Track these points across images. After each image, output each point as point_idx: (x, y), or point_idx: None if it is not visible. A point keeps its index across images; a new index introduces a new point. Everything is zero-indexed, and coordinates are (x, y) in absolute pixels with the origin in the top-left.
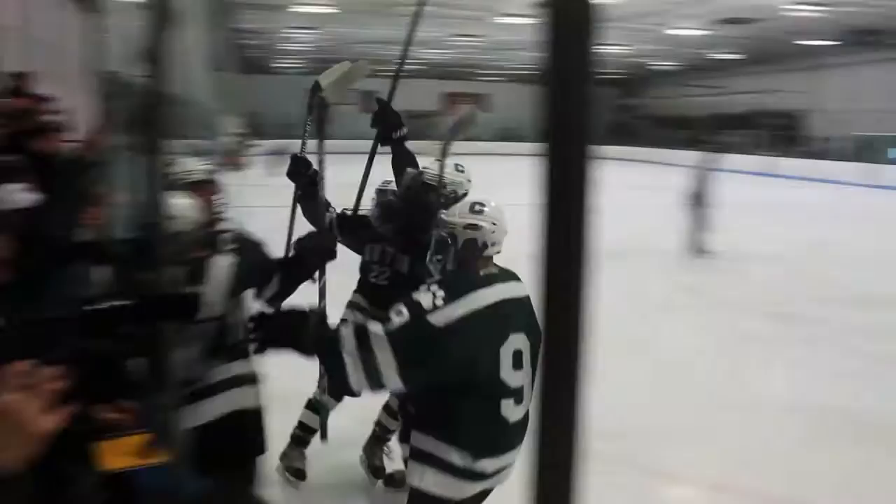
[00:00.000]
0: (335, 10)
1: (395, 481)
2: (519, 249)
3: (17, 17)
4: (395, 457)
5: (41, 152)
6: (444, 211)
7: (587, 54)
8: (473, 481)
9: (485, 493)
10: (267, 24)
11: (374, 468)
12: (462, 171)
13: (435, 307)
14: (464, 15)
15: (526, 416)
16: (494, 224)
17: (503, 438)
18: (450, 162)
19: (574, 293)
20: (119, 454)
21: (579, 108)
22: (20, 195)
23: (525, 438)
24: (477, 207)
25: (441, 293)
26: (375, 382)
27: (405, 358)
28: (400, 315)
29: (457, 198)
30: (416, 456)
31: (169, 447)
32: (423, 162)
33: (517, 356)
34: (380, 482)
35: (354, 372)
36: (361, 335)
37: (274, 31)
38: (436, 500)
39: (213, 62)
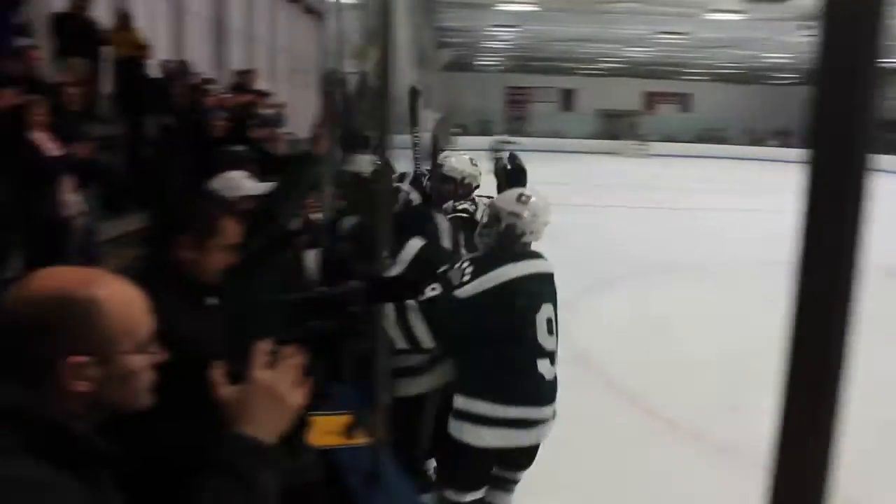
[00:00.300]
0: (536, 8)
1: None
2: (713, 256)
3: (241, 20)
4: None
5: (261, 143)
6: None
7: (872, 45)
8: (527, 429)
9: (535, 448)
10: (469, 23)
11: None
12: (476, 166)
13: (461, 283)
14: (674, 12)
15: (555, 377)
16: (535, 216)
17: (543, 392)
18: (465, 157)
19: (836, 308)
20: (326, 432)
21: (859, 108)
22: (247, 183)
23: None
24: (523, 198)
25: (469, 270)
26: (415, 345)
27: (435, 326)
28: (433, 290)
29: (471, 189)
30: (469, 419)
31: (373, 429)
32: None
33: (549, 323)
34: None
35: (398, 338)
36: (399, 308)
37: (476, 30)
38: (495, 453)
39: (418, 60)
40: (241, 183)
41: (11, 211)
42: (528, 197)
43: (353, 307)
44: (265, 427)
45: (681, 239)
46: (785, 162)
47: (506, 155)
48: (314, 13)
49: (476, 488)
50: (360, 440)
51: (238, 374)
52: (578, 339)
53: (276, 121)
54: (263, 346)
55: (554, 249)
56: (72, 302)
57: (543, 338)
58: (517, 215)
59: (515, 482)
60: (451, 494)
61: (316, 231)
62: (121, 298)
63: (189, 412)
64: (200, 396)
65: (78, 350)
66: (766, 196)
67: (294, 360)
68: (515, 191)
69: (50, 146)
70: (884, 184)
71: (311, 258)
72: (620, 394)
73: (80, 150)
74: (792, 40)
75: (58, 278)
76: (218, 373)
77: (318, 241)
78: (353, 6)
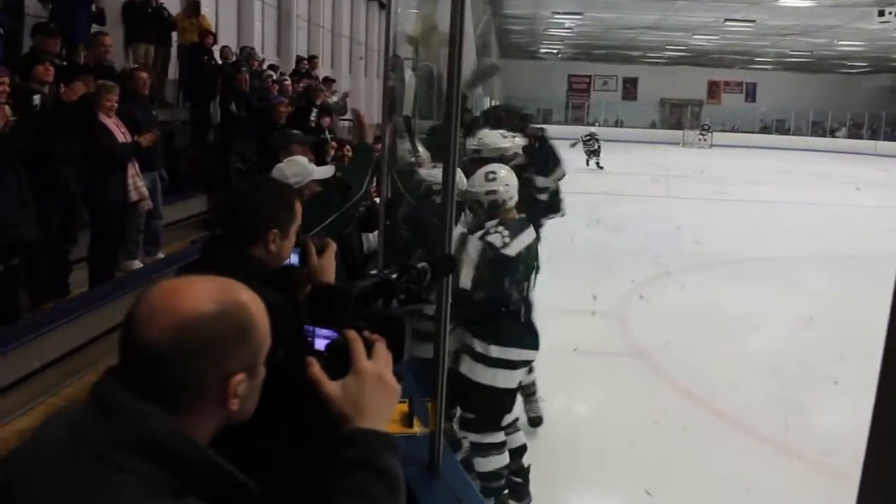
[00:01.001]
0: None
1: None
2: (777, 250)
3: (305, 6)
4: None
5: (324, 129)
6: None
7: None
8: (521, 369)
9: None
10: (531, 10)
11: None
12: (506, 138)
13: (505, 244)
14: None
15: None
16: (507, 185)
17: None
18: (496, 132)
19: None
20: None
21: None
22: (313, 167)
23: None
24: (490, 176)
25: (506, 232)
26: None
27: (480, 274)
28: (474, 247)
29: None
30: (488, 362)
31: (431, 418)
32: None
33: (533, 280)
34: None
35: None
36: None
37: (538, 17)
38: (503, 393)
39: (479, 47)
40: (307, 167)
41: (79, 194)
42: (494, 173)
43: (416, 289)
44: (381, 417)
45: (744, 232)
46: (853, 154)
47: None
48: (376, 0)
49: (500, 428)
50: (417, 429)
51: (333, 365)
52: (637, 332)
53: (339, 108)
54: (357, 335)
55: (615, 240)
56: (230, 318)
57: (531, 293)
58: (493, 192)
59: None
60: (478, 438)
61: (376, 215)
62: (259, 306)
63: (288, 416)
64: (297, 397)
65: (236, 367)
66: (833, 189)
67: (382, 345)
68: (481, 172)
69: (119, 132)
70: None
71: (372, 241)
72: (679, 390)
73: (147, 136)
74: (866, 27)
75: (199, 294)
76: (318, 370)
77: (376, 224)
78: None
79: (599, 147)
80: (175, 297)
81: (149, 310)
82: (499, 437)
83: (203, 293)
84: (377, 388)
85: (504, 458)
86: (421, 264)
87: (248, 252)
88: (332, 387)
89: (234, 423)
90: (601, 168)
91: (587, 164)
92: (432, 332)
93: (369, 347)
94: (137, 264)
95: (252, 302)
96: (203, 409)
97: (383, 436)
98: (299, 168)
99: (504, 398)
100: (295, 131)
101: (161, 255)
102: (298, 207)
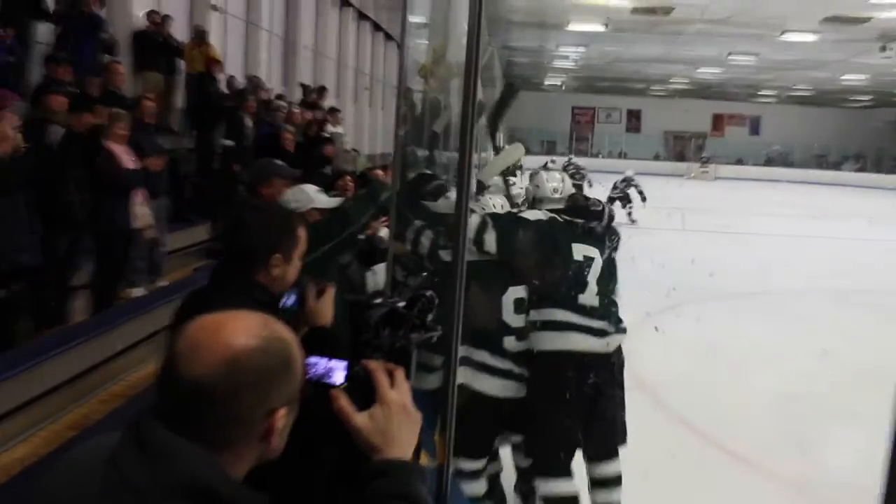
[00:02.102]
0: (603, 29)
1: None
2: (780, 283)
3: (310, 37)
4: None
5: (326, 158)
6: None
7: None
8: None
9: None
10: (536, 43)
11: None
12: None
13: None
14: (748, 33)
15: None
16: (483, 207)
17: None
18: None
19: None
20: None
21: None
22: (319, 196)
23: None
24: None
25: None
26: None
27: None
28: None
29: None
30: (479, 367)
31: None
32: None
33: None
34: None
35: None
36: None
37: (543, 50)
38: (493, 400)
39: (484, 79)
40: (314, 196)
41: (85, 220)
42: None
43: (424, 318)
44: (407, 447)
45: (756, 265)
46: (856, 187)
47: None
48: (381, 30)
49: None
50: (425, 462)
51: (356, 396)
52: (640, 366)
53: (341, 139)
54: (380, 365)
55: (630, 271)
56: (275, 352)
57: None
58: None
59: None
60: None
61: (379, 248)
62: (296, 340)
63: (311, 449)
64: (321, 428)
65: (279, 402)
66: (837, 223)
67: (402, 374)
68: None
69: (127, 159)
70: None
71: (379, 278)
72: (683, 424)
73: (153, 163)
74: (868, 62)
75: (243, 328)
76: (345, 402)
77: (381, 257)
78: (424, 25)
79: (640, 192)
80: (220, 332)
81: (193, 346)
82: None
83: (246, 327)
84: (403, 418)
85: None
86: (429, 292)
87: (252, 278)
88: (360, 418)
89: (266, 460)
90: (634, 222)
91: (628, 216)
92: (435, 363)
93: (390, 377)
94: (139, 292)
95: (291, 336)
96: (246, 445)
97: (414, 465)
98: (302, 195)
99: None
100: (278, 162)
101: (163, 283)
102: (302, 233)
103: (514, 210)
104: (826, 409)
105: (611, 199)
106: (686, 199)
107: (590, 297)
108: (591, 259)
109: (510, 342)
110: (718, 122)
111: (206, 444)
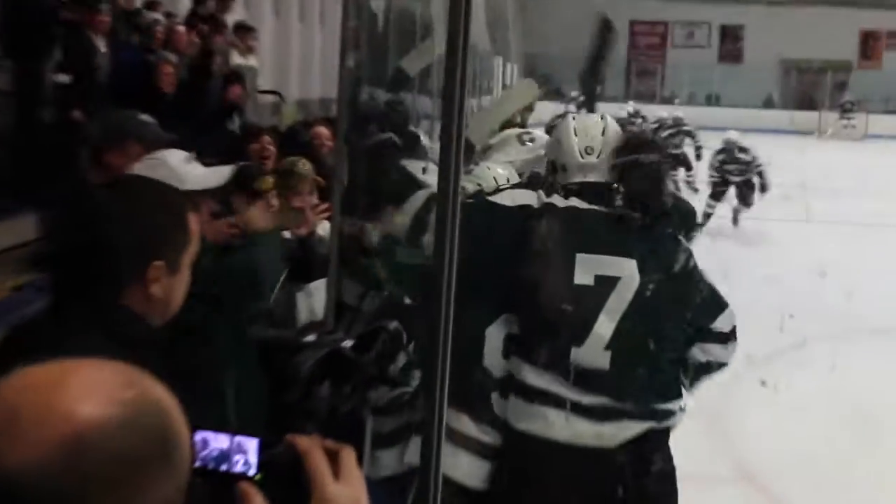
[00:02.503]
0: None
1: None
2: None
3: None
4: None
5: (229, 107)
6: None
7: None
8: None
9: None
10: None
11: None
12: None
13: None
14: None
15: None
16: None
17: None
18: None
19: None
20: None
21: None
22: (189, 169)
23: None
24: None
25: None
26: None
27: None
28: None
29: None
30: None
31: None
32: None
33: None
34: None
35: None
36: None
37: None
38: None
39: None
40: (180, 171)
41: None
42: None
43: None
44: None
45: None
46: None
47: None
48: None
49: None
50: None
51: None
52: (754, 443)
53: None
54: (313, 445)
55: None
56: (144, 428)
57: None
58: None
59: None
60: None
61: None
62: (173, 402)
63: None
64: None
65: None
66: None
67: (349, 456)
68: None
69: None
70: None
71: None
72: None
73: None
74: None
75: (92, 391)
76: (259, 501)
77: (324, 267)
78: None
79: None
80: (55, 395)
81: (10, 419)
82: None
83: (99, 388)
84: None
85: None
86: (393, 325)
87: (115, 302)
88: None
89: None
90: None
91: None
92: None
93: (333, 461)
94: None
95: (169, 400)
96: None
97: None
98: (161, 170)
99: None
100: (142, 116)
101: None
102: (195, 224)
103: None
104: None
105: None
106: (815, 171)
107: (592, 351)
108: (614, 281)
109: (497, 402)
110: (871, 43)
111: None
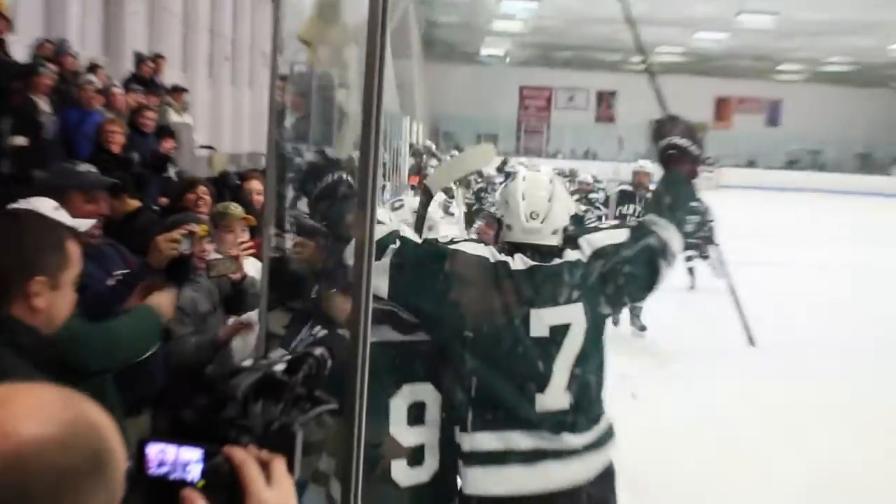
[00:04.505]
0: None
1: None
2: (810, 333)
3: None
4: None
5: (163, 159)
6: None
7: None
8: None
9: None
10: None
11: None
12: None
13: None
14: None
15: None
16: None
17: None
18: None
19: None
20: None
21: None
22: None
23: None
24: None
25: None
26: None
27: None
28: None
29: None
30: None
31: None
32: None
33: None
34: None
35: None
36: None
37: (478, 5)
38: None
39: (395, 46)
40: (53, 217)
41: None
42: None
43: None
44: None
45: (762, 309)
46: None
47: None
48: None
49: None
50: None
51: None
52: (625, 446)
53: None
54: (247, 455)
55: None
56: (81, 445)
57: None
58: None
59: None
60: None
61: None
62: (112, 426)
63: None
64: None
65: None
66: (888, 249)
67: (282, 465)
68: None
69: None
70: None
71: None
72: None
73: None
74: None
75: (32, 410)
76: (198, 500)
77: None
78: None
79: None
80: None
81: None
82: None
83: (39, 407)
84: None
85: None
86: (318, 351)
87: (5, 313)
88: None
89: None
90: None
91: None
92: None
93: (265, 470)
94: None
95: (105, 421)
96: None
97: None
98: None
99: None
100: (83, 167)
101: None
102: (75, 249)
103: (443, 238)
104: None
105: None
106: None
107: (555, 396)
108: (566, 329)
109: (402, 471)
110: (723, 108)
111: None
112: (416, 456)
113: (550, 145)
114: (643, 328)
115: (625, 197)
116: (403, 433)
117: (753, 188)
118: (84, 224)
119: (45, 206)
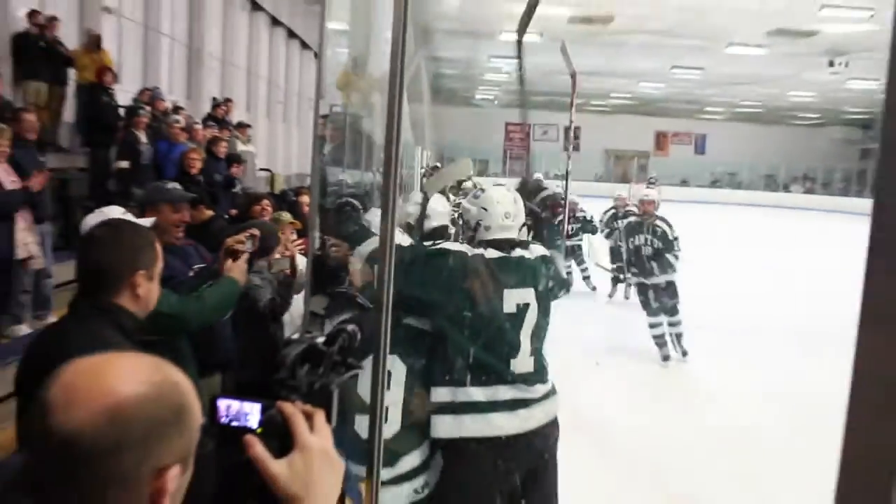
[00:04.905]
0: (538, 40)
1: None
2: (730, 317)
3: (217, 45)
4: None
5: (232, 180)
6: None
7: None
8: None
9: None
10: (467, 53)
11: None
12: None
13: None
14: (692, 45)
15: None
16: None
17: None
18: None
19: None
20: None
21: None
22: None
23: None
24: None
25: None
26: None
27: None
28: None
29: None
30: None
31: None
32: None
33: None
34: None
35: None
36: None
37: (474, 61)
38: None
39: (410, 93)
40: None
41: None
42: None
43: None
44: (329, 496)
45: (703, 298)
46: (809, 210)
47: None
48: (297, 38)
49: None
50: None
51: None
52: (579, 403)
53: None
54: (295, 408)
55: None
56: (166, 401)
57: None
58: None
59: None
60: None
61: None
62: (191, 388)
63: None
64: (235, 477)
65: (171, 459)
66: (793, 250)
67: (323, 417)
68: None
69: (6, 179)
70: None
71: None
72: (627, 466)
73: (34, 181)
74: (817, 78)
75: (130, 373)
76: (261, 449)
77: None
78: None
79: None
80: (102, 378)
81: (68, 394)
82: None
83: (133, 372)
84: (325, 464)
85: None
86: (350, 327)
87: (113, 302)
88: (277, 466)
89: None
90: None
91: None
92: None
93: (309, 420)
94: (24, 329)
95: (186, 382)
96: None
97: None
98: (102, 220)
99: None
100: (170, 185)
101: (52, 319)
102: (159, 247)
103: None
104: (775, 450)
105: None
106: None
107: (523, 359)
108: (527, 306)
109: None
110: (662, 140)
111: None
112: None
113: (531, 168)
114: (685, 353)
115: (633, 229)
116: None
117: (685, 202)
118: (148, 223)
119: (115, 212)
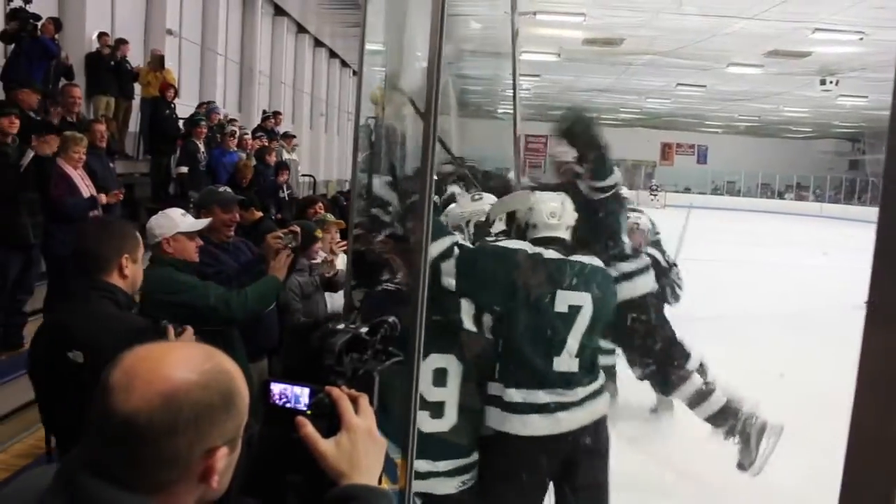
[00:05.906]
0: (556, 59)
1: None
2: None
3: (266, 63)
4: None
5: (279, 185)
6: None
7: None
8: None
9: None
10: (491, 71)
11: None
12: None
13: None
14: (694, 65)
15: None
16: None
17: None
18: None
19: None
20: None
21: None
22: (183, 219)
23: None
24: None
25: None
26: None
27: None
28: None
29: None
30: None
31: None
32: None
33: None
34: None
35: None
36: None
37: (497, 78)
38: None
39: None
40: (178, 220)
41: (37, 244)
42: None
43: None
44: (374, 472)
45: (704, 290)
46: (800, 215)
47: None
48: (337, 57)
49: None
50: (385, 486)
51: (320, 422)
52: None
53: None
54: (342, 392)
55: None
56: (217, 386)
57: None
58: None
59: None
60: None
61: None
62: (241, 374)
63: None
64: (287, 454)
65: (220, 440)
66: (785, 249)
67: (366, 400)
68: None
69: (83, 184)
70: None
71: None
72: (634, 448)
73: (112, 198)
74: (809, 94)
75: (184, 360)
76: (311, 429)
77: (340, 284)
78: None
79: None
80: (158, 364)
81: (127, 378)
82: None
83: (187, 360)
84: (369, 443)
85: None
86: (391, 318)
87: (106, 281)
88: (325, 444)
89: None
90: None
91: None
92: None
93: (354, 403)
94: None
95: (236, 369)
96: (183, 488)
97: (380, 491)
98: (165, 221)
99: None
100: (221, 188)
101: None
102: (139, 237)
103: (489, 237)
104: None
105: None
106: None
107: (568, 359)
108: (578, 309)
109: (426, 420)
110: (667, 151)
111: (140, 489)
112: (437, 410)
113: (546, 175)
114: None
115: None
116: (428, 391)
117: (688, 207)
118: (200, 224)
119: (176, 213)
